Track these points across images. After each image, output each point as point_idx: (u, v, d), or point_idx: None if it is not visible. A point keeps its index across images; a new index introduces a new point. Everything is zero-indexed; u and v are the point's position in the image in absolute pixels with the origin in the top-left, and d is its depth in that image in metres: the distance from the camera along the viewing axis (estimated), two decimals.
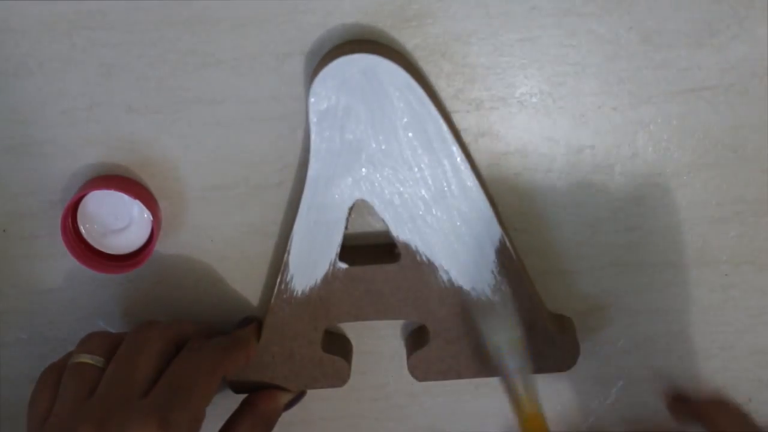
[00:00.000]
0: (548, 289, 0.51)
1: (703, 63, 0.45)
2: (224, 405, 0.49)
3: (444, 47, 0.45)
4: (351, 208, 0.46)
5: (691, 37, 0.45)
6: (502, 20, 0.44)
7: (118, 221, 0.47)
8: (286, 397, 0.51)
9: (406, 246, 0.47)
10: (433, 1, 0.44)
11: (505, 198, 0.48)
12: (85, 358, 0.45)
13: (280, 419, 0.54)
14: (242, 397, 0.50)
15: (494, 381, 0.54)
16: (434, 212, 0.46)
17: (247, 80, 0.45)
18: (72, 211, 0.46)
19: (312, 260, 0.47)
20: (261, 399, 0.50)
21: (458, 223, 0.46)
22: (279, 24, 0.44)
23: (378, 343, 0.53)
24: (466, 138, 0.47)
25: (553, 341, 0.49)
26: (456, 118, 0.46)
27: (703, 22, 0.44)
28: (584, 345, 0.51)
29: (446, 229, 0.46)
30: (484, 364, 0.50)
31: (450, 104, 0.46)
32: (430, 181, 0.45)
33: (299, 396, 0.52)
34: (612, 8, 0.44)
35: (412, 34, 0.44)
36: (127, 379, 0.43)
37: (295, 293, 0.48)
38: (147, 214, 0.46)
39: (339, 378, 0.51)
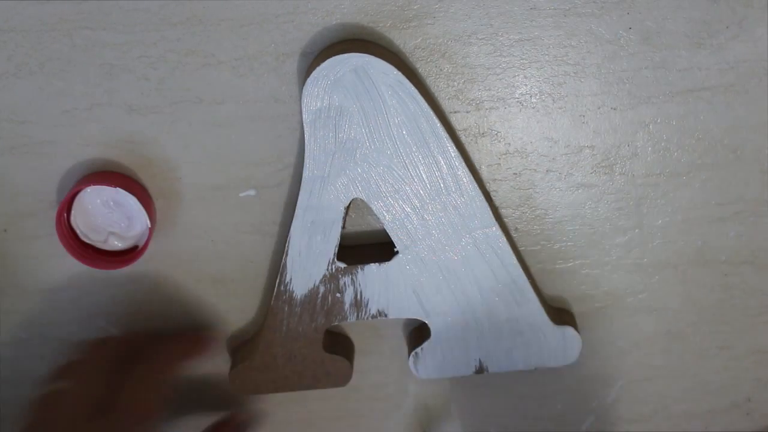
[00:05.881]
0: (548, 289, 0.51)
1: (703, 63, 0.45)
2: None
3: (444, 47, 0.45)
4: (347, 208, 0.46)
5: (690, 37, 0.45)
6: (501, 20, 0.44)
7: (113, 217, 0.47)
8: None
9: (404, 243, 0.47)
10: (433, 1, 0.44)
11: (505, 198, 0.49)
12: None
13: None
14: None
15: (494, 381, 0.54)
16: (430, 209, 0.46)
17: (247, 80, 0.45)
18: (67, 206, 0.46)
19: (310, 261, 0.47)
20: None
21: (455, 219, 0.46)
22: (279, 24, 0.44)
23: (378, 342, 0.53)
24: (466, 138, 0.47)
25: (554, 334, 0.49)
26: (456, 118, 0.46)
27: (703, 22, 0.44)
28: (584, 345, 0.51)
29: (443, 226, 0.46)
30: (484, 361, 0.50)
31: (450, 104, 0.46)
32: (425, 178, 0.45)
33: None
34: (612, 8, 0.44)
35: (412, 34, 0.44)
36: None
37: (294, 294, 0.48)
38: (142, 211, 0.46)
39: (341, 377, 0.51)
